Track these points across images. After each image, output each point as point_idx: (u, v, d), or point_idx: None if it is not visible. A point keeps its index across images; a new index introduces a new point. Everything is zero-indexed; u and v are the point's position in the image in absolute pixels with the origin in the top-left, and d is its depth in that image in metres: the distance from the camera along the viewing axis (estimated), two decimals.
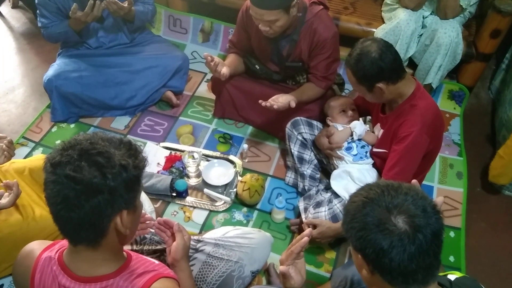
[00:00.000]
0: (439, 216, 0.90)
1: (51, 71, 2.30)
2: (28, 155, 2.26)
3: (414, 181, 1.22)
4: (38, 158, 1.92)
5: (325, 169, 2.11)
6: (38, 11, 2.23)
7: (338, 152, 1.92)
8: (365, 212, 0.90)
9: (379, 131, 1.85)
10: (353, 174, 1.85)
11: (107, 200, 0.88)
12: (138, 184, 0.95)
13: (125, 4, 2.17)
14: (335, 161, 1.95)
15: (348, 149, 1.91)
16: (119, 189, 0.89)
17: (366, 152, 1.90)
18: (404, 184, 0.94)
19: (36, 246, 1.07)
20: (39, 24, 2.27)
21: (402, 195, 0.90)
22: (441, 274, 1.07)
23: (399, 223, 0.87)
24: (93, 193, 0.87)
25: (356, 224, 0.91)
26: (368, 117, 2.02)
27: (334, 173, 1.92)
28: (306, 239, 1.18)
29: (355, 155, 1.89)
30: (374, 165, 1.90)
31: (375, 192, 0.92)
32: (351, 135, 1.92)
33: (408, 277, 0.88)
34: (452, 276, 1.04)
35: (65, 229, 0.92)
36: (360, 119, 1.98)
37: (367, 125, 1.96)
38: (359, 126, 1.90)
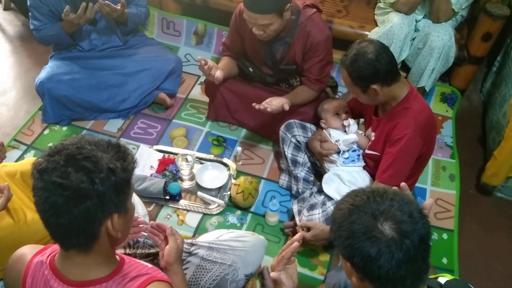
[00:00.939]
0: (426, 220, 0.90)
1: (43, 73, 2.29)
2: (20, 158, 2.24)
3: (402, 184, 1.22)
4: (30, 161, 1.86)
5: (319, 171, 2.11)
6: (30, 13, 2.22)
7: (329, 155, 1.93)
8: (352, 220, 0.90)
9: (370, 134, 1.86)
10: (343, 177, 1.86)
11: (96, 205, 0.87)
12: (128, 187, 0.94)
13: (118, 7, 2.16)
14: (326, 164, 1.96)
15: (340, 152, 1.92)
16: (108, 193, 0.88)
17: (358, 155, 1.90)
18: (390, 190, 0.94)
19: (27, 251, 1.06)
20: (31, 27, 2.25)
21: (388, 201, 0.90)
22: (432, 276, 1.07)
23: (386, 230, 0.87)
24: (81, 198, 0.86)
25: (343, 233, 0.91)
26: (361, 120, 2.03)
27: (325, 177, 1.92)
28: (296, 244, 1.17)
29: (347, 158, 1.90)
30: (366, 168, 1.91)
31: (361, 199, 0.92)
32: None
33: (397, 283, 0.88)
34: (442, 279, 1.04)
35: (55, 234, 0.92)
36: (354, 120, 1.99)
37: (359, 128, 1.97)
38: (353, 124, 1.91)
